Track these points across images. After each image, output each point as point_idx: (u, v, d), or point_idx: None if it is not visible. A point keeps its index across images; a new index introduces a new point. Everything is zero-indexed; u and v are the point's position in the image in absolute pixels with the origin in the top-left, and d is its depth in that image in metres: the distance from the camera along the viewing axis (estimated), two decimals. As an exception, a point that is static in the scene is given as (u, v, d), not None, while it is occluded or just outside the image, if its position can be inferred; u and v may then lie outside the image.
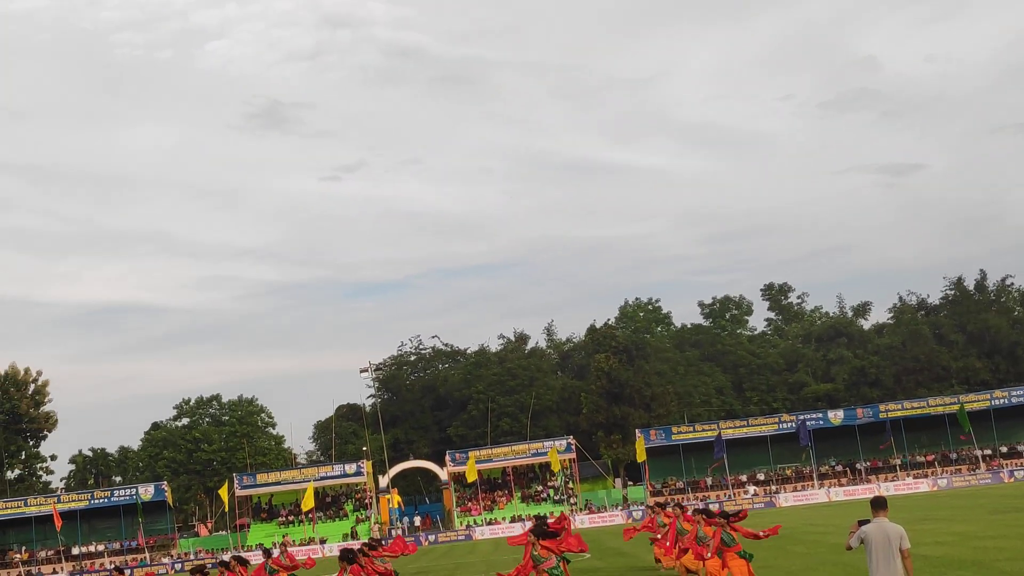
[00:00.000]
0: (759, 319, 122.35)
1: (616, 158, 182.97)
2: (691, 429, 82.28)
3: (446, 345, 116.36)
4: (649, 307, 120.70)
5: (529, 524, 24.84)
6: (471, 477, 77.24)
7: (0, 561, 77.96)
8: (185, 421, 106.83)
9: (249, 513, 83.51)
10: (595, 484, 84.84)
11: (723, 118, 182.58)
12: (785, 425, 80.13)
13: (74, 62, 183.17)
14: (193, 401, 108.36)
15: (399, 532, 76.26)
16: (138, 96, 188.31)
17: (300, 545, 70.39)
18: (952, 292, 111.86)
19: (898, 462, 77.92)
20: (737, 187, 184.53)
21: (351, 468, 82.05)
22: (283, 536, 67.53)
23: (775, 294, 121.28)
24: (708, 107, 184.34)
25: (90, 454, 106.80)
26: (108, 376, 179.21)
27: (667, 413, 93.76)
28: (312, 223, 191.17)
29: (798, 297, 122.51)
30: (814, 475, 78.14)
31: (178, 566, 69.45)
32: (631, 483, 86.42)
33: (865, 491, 72.13)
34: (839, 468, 79.68)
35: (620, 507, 75.71)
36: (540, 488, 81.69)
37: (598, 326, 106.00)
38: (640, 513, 68.29)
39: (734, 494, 75.14)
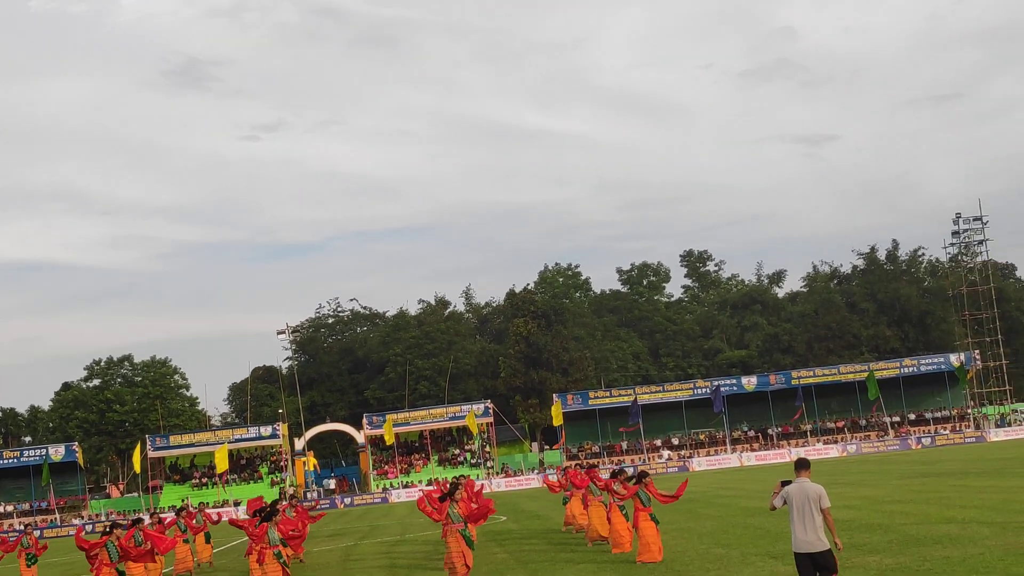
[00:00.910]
0: (676, 286, 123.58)
1: (537, 123, 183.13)
2: (608, 394, 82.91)
3: (364, 308, 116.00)
4: (568, 272, 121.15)
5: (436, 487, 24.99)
6: (389, 440, 77.18)
7: (-96, 522, 76.40)
8: (97, 382, 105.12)
9: (162, 475, 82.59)
10: (512, 448, 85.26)
11: (644, 85, 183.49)
12: (700, 391, 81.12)
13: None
14: (104, 362, 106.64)
15: (314, 495, 76.03)
16: (52, 50, 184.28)
17: (214, 507, 69.74)
18: (864, 262, 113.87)
19: (809, 428, 79.38)
20: (657, 154, 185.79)
21: (266, 430, 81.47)
22: (185, 500, 66.93)
23: (693, 261, 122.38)
24: (629, 74, 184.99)
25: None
26: (17, 335, 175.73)
27: (584, 378, 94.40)
28: (230, 183, 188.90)
29: (716, 265, 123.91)
30: (727, 440, 79.30)
31: (89, 527, 68.47)
32: (548, 447, 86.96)
33: (776, 456, 73.41)
34: (751, 433, 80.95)
35: (536, 471, 76.13)
36: (457, 452, 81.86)
37: (517, 291, 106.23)
38: (554, 477, 68.65)
39: (648, 458, 75.94)
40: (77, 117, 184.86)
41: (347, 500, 73.33)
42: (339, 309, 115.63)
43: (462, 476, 32.96)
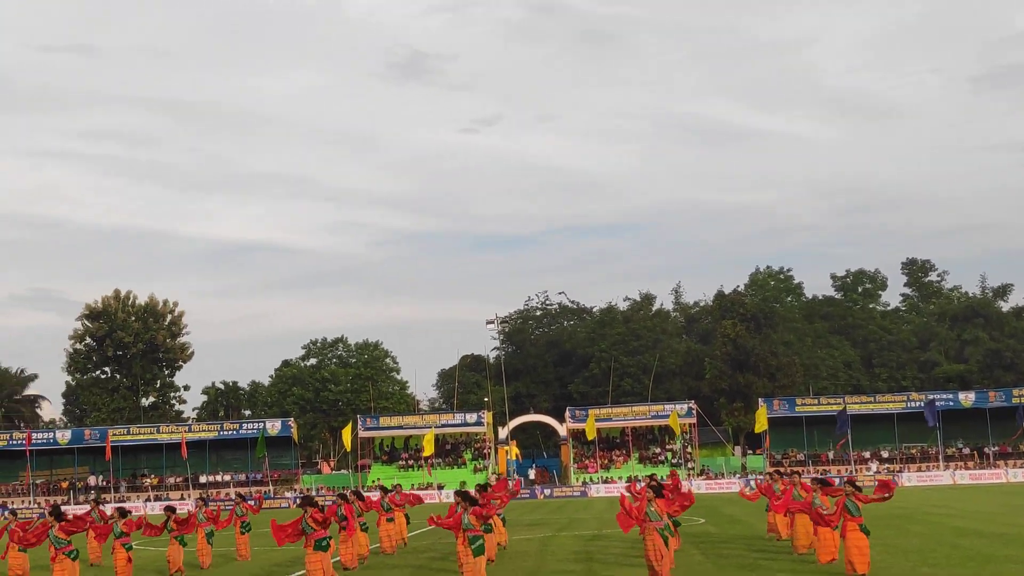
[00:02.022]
0: (893, 295, 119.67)
1: (754, 123, 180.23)
2: (816, 402, 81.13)
3: (572, 302, 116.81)
4: (780, 276, 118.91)
5: (643, 482, 24.98)
6: (591, 435, 77.53)
7: (131, 484, 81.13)
8: (313, 361, 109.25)
9: (370, 455, 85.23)
10: (714, 451, 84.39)
11: (868, 88, 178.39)
12: (913, 404, 78.39)
13: (221, 4, 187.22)
14: (320, 342, 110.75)
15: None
16: (283, 40, 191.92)
17: (418, 489, 71.53)
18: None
19: (1029, 449, 75.81)
20: (879, 159, 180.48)
21: (472, 417, 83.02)
22: (394, 483, 68.82)
23: (915, 270, 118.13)
24: (853, 76, 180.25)
25: (222, 387, 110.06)
26: (243, 313, 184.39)
27: (792, 384, 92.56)
28: (446, 174, 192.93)
29: (938, 275, 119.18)
30: (940, 456, 76.51)
31: (299, 500, 71.30)
32: (751, 452, 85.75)
33: (992, 476, 70.45)
34: (966, 451, 77.83)
35: (738, 475, 75.22)
36: (658, 451, 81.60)
37: (727, 292, 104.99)
38: (756, 483, 67.72)
39: (856, 470, 73.97)
40: (305, 106, 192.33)
41: (546, 491, 74.08)
42: (547, 302, 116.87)
43: (654, 475, 32.89)
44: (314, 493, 73.77)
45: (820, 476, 24.99)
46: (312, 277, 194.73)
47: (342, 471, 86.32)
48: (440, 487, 73.78)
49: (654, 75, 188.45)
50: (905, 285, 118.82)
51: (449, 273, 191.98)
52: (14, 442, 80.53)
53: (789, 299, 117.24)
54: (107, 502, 61.12)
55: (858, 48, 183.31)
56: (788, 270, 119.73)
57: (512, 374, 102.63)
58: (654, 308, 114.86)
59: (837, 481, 30.60)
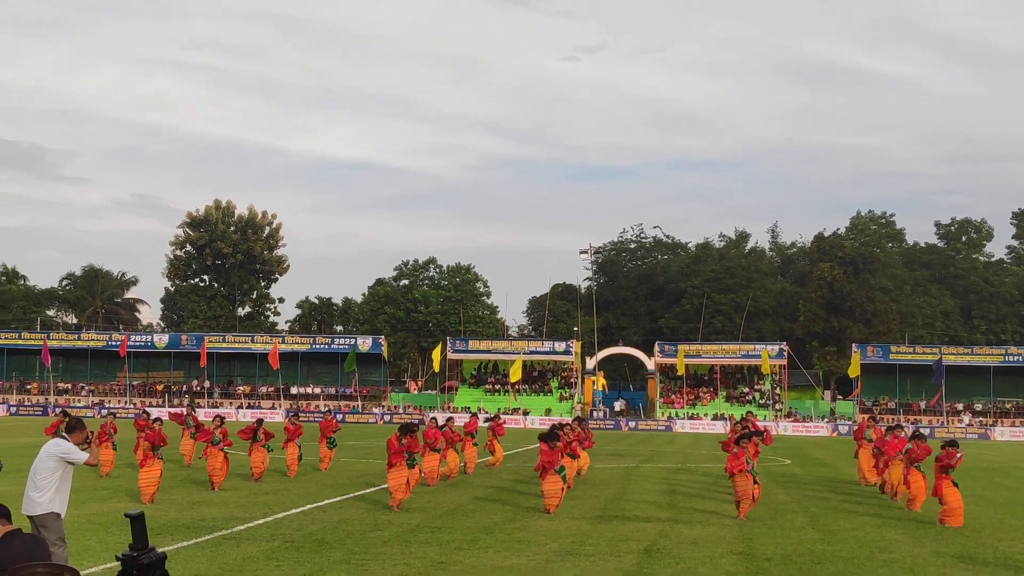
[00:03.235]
0: (999, 246, 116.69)
1: (863, 64, 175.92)
2: (911, 350, 79.67)
3: (667, 237, 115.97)
4: (882, 220, 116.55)
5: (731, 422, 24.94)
6: (680, 370, 77.16)
7: (225, 391, 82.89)
8: (405, 282, 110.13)
9: (458, 377, 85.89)
10: (803, 394, 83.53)
11: (985, 33, 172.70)
12: (1012, 358, 76.60)
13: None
14: (412, 263, 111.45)
15: (600, 414, 77.29)
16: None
17: (504, 414, 72.08)
18: None
19: None
20: (990, 108, 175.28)
21: (560, 346, 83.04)
22: (477, 406, 69.24)
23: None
24: (971, 20, 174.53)
25: (316, 301, 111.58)
26: (338, 229, 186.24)
27: (887, 331, 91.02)
28: (546, 102, 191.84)
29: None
30: (1037, 413, 74.86)
31: (387, 417, 72.27)
32: (840, 397, 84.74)
33: (1089, 437, 68.74)
34: (1064, 409, 76.04)
35: (826, 419, 74.42)
36: (746, 390, 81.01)
37: (826, 235, 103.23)
38: (846, 428, 67.03)
39: (948, 422, 72.73)
40: (410, 27, 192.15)
41: (631, 424, 74.09)
42: (642, 235, 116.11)
43: (749, 413, 32.56)
44: (401, 411, 74.75)
45: (916, 430, 24.48)
46: (408, 198, 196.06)
47: (429, 391, 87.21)
48: (525, 413, 74.17)
49: (764, 10, 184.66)
50: (1013, 237, 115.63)
51: (544, 201, 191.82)
52: (112, 343, 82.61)
53: (890, 245, 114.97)
54: (200, 407, 62.64)
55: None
56: (891, 215, 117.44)
57: (603, 305, 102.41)
58: (749, 246, 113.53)
59: (928, 432, 30.08)
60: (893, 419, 63.92)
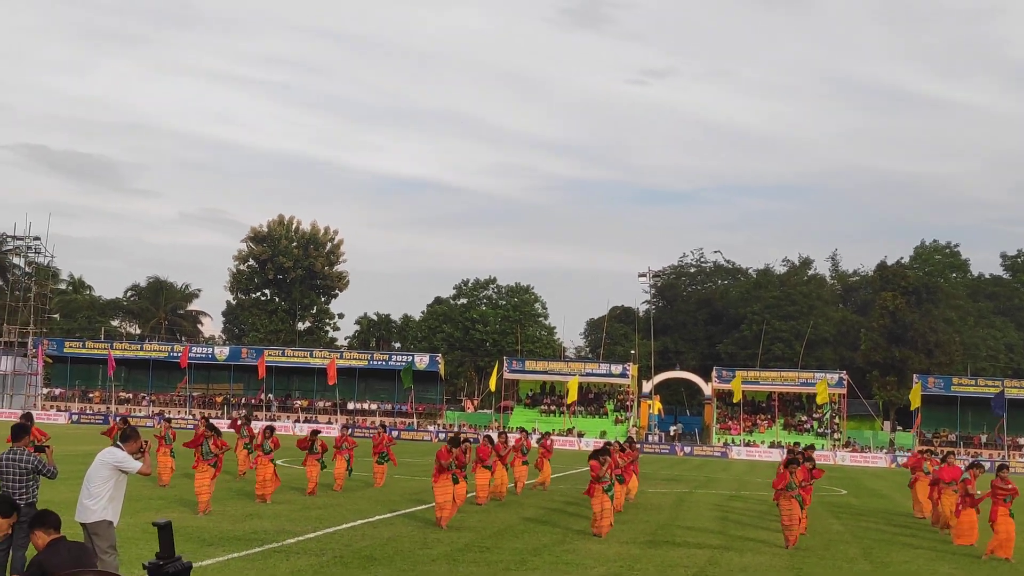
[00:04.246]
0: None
1: (933, 91, 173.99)
2: (973, 382, 78.43)
3: (728, 261, 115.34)
4: (946, 250, 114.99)
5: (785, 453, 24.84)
6: (737, 396, 76.56)
7: (282, 404, 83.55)
8: (464, 300, 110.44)
9: (513, 397, 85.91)
10: (862, 423, 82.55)
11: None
12: (1077, 394, 75.18)
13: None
14: (472, 282, 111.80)
15: (655, 439, 76.93)
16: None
17: (558, 435, 71.98)
18: None
19: None
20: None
21: (617, 369, 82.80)
22: (533, 426, 69.15)
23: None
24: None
25: (374, 318, 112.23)
26: (401, 246, 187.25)
27: (949, 362, 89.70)
28: (612, 124, 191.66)
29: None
30: (1102, 450, 73.34)
31: (442, 435, 72.44)
32: (900, 428, 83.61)
33: None
34: None
35: (885, 450, 73.51)
36: (804, 418, 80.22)
37: (889, 263, 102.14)
38: (905, 459, 66.06)
39: (1009, 455, 71.47)
40: (476, 46, 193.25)
41: (687, 449, 73.64)
42: (702, 259, 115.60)
43: (793, 444, 32.28)
44: (455, 429, 74.83)
45: (975, 461, 24.13)
46: (470, 217, 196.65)
47: (485, 410, 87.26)
48: (580, 435, 73.99)
49: (834, 35, 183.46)
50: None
51: (605, 223, 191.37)
52: (174, 354, 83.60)
53: (954, 275, 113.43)
54: (257, 419, 63.18)
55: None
56: (955, 245, 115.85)
57: (660, 329, 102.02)
58: (811, 273, 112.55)
59: (988, 466, 29.63)
60: (954, 452, 62.94)
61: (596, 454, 21.06)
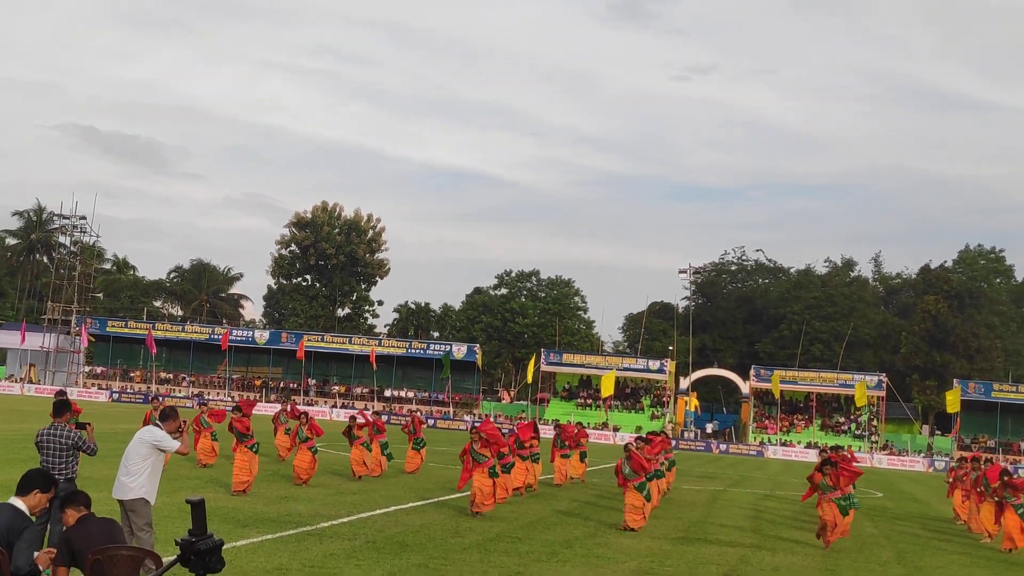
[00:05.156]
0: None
1: (981, 93, 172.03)
2: (1014, 389, 77.71)
3: (769, 260, 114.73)
4: (991, 255, 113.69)
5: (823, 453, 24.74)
6: (775, 394, 76.20)
7: (320, 389, 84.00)
8: (504, 291, 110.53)
9: (550, 389, 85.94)
10: (900, 427, 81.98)
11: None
12: (1120, 403, 74.34)
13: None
14: (514, 273, 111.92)
15: (691, 435, 76.77)
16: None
17: (593, 429, 71.99)
18: None
19: None
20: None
21: (655, 364, 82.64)
22: (569, 418, 69.14)
23: None
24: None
25: (414, 307, 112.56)
26: (439, 236, 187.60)
27: (991, 368, 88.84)
28: (655, 120, 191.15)
29: None
30: None
31: (478, 424, 72.52)
32: (939, 432, 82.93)
33: None
34: None
35: (923, 454, 72.94)
36: (842, 420, 79.74)
37: (933, 267, 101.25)
38: (943, 464, 65.57)
39: (1049, 465, 70.75)
40: (521, 40, 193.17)
41: (723, 447, 73.40)
42: (743, 257, 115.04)
43: (826, 444, 32.10)
44: (492, 419, 74.89)
45: (1012, 468, 23.99)
46: (512, 209, 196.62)
47: (521, 401, 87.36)
48: (615, 429, 73.91)
49: (881, 34, 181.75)
50: None
51: (647, 218, 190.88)
52: (215, 336, 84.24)
53: (998, 281, 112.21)
54: (295, 403, 63.55)
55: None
56: (1000, 250, 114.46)
57: (699, 326, 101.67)
58: (853, 274, 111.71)
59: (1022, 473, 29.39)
60: (993, 458, 62.38)
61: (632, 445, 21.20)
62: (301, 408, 31.80)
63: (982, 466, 25.29)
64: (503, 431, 24.94)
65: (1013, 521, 21.37)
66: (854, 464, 22.43)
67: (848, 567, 17.66)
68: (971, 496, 25.22)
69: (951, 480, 29.21)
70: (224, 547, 5.28)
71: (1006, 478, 22.08)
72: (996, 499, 22.26)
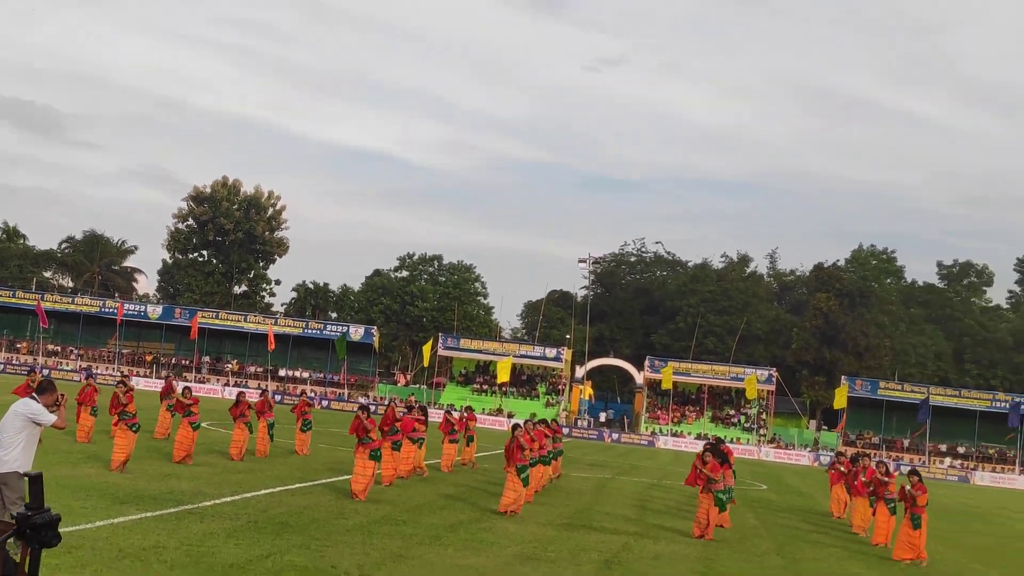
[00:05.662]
0: (1000, 291, 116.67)
1: (885, 100, 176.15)
2: (899, 387, 79.80)
3: (668, 253, 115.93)
4: (883, 256, 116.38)
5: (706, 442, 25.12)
6: (666, 385, 77.14)
7: (213, 367, 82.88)
8: (404, 274, 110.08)
9: (447, 374, 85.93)
10: (788, 421, 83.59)
11: (1012, 78, 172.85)
12: (999, 404, 76.72)
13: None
14: (416, 256, 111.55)
15: (585, 424, 77.38)
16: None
17: (487, 415, 72.23)
18: None
19: (1112, 469, 73.75)
20: (1012, 154, 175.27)
21: (551, 352, 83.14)
22: (464, 404, 69.26)
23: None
24: (998, 65, 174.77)
25: (312, 287, 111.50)
26: (345, 217, 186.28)
27: (878, 366, 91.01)
28: (565, 110, 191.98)
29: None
30: (1017, 461, 74.86)
31: (372, 407, 72.14)
32: (826, 428, 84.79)
33: (1069, 490, 68.80)
34: (1047, 460, 76.05)
35: (809, 448, 74.50)
36: (732, 412, 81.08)
37: (826, 265, 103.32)
38: (828, 458, 67.04)
39: (929, 462, 72.79)
40: (436, 24, 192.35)
41: (614, 436, 74.13)
42: (643, 249, 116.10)
43: (715, 437, 32.53)
44: (387, 402, 74.67)
45: (911, 468, 24.64)
46: (418, 193, 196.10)
47: (418, 385, 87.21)
48: (510, 415, 74.14)
49: (790, 38, 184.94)
50: (1016, 283, 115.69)
51: (551, 207, 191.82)
52: (106, 310, 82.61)
53: (888, 281, 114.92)
54: (185, 380, 62.62)
55: (1006, 36, 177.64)
56: (892, 251, 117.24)
57: (597, 315, 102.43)
58: (749, 270, 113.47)
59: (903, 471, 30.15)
60: (875, 454, 64.02)
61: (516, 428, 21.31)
62: (184, 385, 31.25)
63: (861, 463, 25.90)
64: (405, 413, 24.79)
65: (884, 517, 21.93)
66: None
67: (727, 557, 17.94)
68: (849, 491, 25.85)
69: (832, 474, 29.87)
70: (100, 524, 5.17)
71: (879, 475, 22.64)
72: (871, 495, 22.82)
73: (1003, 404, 75.87)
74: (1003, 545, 25.64)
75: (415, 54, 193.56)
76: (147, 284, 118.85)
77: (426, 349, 77.56)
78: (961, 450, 76.98)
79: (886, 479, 22.44)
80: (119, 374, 49.78)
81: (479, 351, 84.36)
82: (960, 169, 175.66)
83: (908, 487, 19.97)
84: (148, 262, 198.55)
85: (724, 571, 16.24)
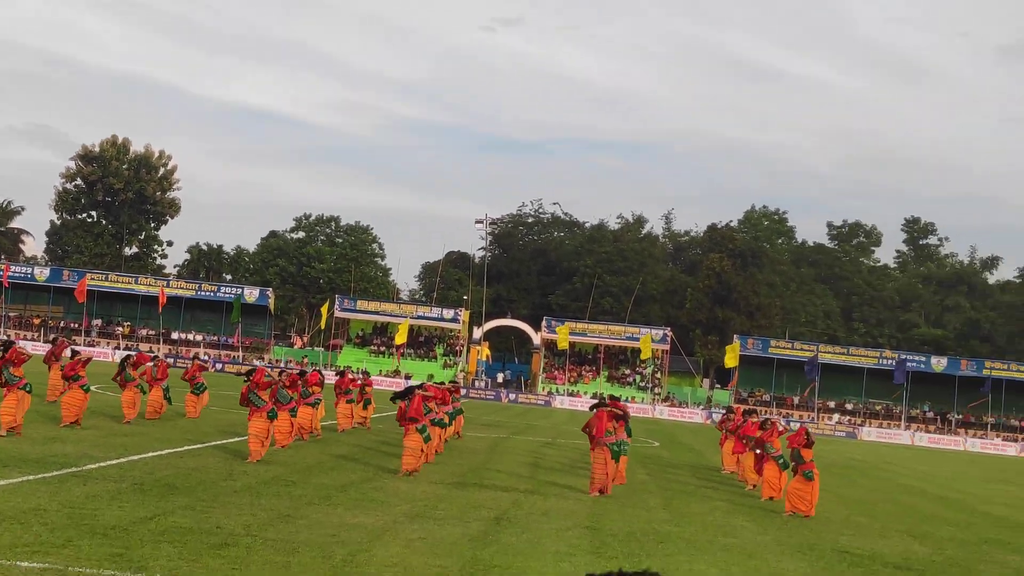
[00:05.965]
0: (887, 251, 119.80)
1: (778, 63, 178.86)
2: (790, 346, 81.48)
3: (566, 214, 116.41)
4: (775, 217, 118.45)
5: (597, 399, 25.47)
6: (562, 345, 77.68)
7: (103, 330, 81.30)
8: (301, 235, 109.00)
9: (344, 336, 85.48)
10: (682, 380, 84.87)
11: (897, 42, 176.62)
12: (885, 361, 78.87)
13: None
14: (313, 218, 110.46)
15: (482, 384, 77.71)
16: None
17: (384, 376, 72.12)
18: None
19: (991, 421, 76.39)
20: (896, 115, 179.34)
21: (449, 313, 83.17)
22: (360, 367, 69.07)
23: (916, 230, 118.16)
24: (886, 28, 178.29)
25: (205, 248, 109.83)
26: (237, 177, 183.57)
27: (769, 325, 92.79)
28: (462, 70, 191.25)
29: (938, 239, 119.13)
30: (903, 416, 77.13)
31: (268, 369, 71.49)
32: (719, 386, 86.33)
33: (951, 442, 71.18)
34: (930, 415, 78.47)
35: (702, 407, 75.81)
36: (628, 372, 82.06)
37: (719, 226, 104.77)
38: (719, 415, 68.31)
39: (818, 418, 74.60)
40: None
41: (512, 396, 74.58)
42: (540, 210, 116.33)
43: (602, 394, 33.03)
44: (283, 364, 74.11)
45: (764, 418, 25.23)
46: (313, 153, 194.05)
47: (314, 347, 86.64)
48: (407, 377, 74.06)
49: (685, 1, 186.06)
50: (904, 242, 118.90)
51: (449, 168, 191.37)
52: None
53: (780, 241, 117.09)
54: (76, 344, 61.31)
55: (894, 1, 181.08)
56: (783, 212, 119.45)
57: (495, 276, 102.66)
58: (644, 231, 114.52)
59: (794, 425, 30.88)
60: (766, 411, 65.37)
61: (400, 395, 21.26)
62: (73, 347, 30.59)
63: (749, 419, 26.47)
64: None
65: (772, 471, 22.44)
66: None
67: (616, 512, 18.20)
68: (736, 446, 26.42)
69: (721, 430, 30.45)
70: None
71: (765, 430, 23.15)
72: (757, 450, 23.32)
73: (889, 361, 77.98)
74: (886, 499, 26.39)
75: (312, 13, 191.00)
76: (35, 246, 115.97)
77: (323, 311, 77.05)
78: (849, 406, 79.07)
79: (762, 433, 22.99)
80: (4, 337, 48.68)
81: (376, 312, 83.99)
82: (850, 131, 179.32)
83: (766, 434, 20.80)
84: (35, 223, 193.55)
85: (612, 526, 16.48)
